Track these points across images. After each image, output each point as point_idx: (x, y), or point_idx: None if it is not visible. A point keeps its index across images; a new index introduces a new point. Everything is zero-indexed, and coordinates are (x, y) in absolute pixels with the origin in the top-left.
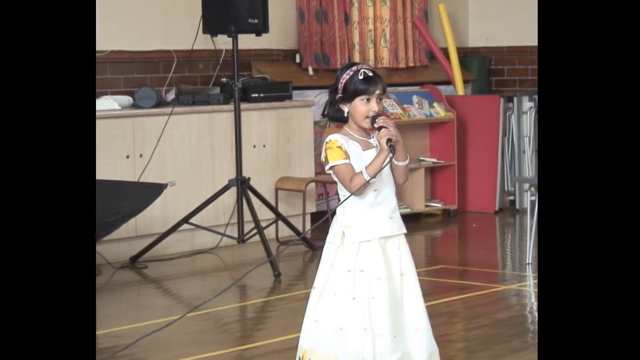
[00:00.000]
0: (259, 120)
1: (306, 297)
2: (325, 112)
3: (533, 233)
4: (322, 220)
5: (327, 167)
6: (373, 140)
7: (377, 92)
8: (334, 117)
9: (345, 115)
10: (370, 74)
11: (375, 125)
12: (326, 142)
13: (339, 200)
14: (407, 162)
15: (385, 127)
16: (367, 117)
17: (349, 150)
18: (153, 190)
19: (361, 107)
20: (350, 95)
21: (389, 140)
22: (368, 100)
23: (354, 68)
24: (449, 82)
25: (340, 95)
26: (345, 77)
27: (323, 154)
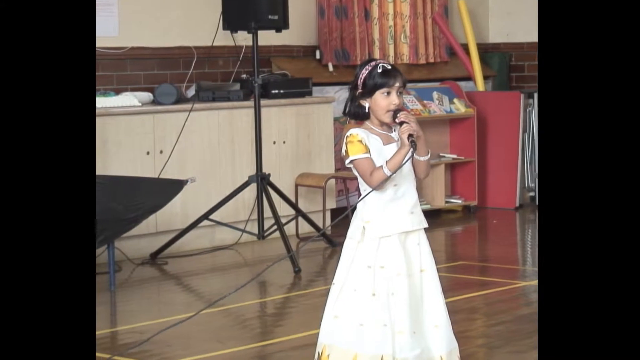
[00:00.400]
0: (279, 116)
1: (326, 293)
2: (347, 110)
3: None
4: (342, 216)
5: (347, 161)
6: (394, 135)
7: (397, 85)
8: (356, 114)
9: (367, 111)
10: (389, 67)
11: (397, 120)
12: (347, 136)
13: (360, 195)
14: (428, 156)
15: (407, 122)
16: (389, 110)
17: (369, 145)
18: (173, 187)
19: (382, 101)
20: (370, 89)
21: (410, 135)
22: (388, 93)
23: (372, 63)
24: (469, 78)
25: (360, 90)
26: (364, 72)
27: (343, 148)
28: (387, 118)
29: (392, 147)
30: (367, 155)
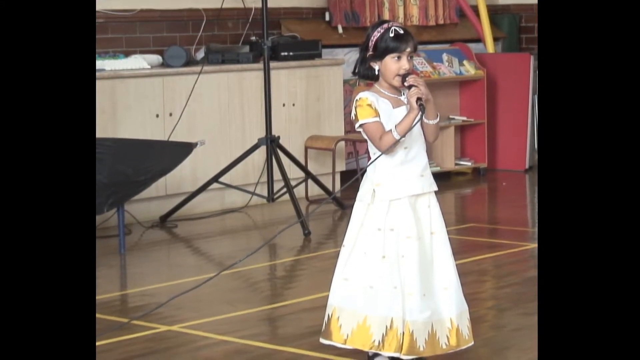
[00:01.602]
0: (289, 78)
1: (336, 256)
2: (356, 70)
3: None
4: (353, 180)
5: (357, 125)
6: (403, 98)
7: (408, 50)
8: (365, 75)
9: (376, 73)
10: (402, 32)
11: (406, 84)
12: (356, 100)
13: (369, 158)
14: (437, 120)
15: (415, 86)
16: (398, 75)
17: (379, 108)
18: (183, 149)
19: (392, 65)
20: (381, 53)
21: (419, 99)
22: (399, 58)
23: (385, 26)
24: (479, 39)
25: (371, 53)
26: (376, 34)
27: (353, 112)
28: (396, 82)
29: (402, 110)
30: (376, 119)
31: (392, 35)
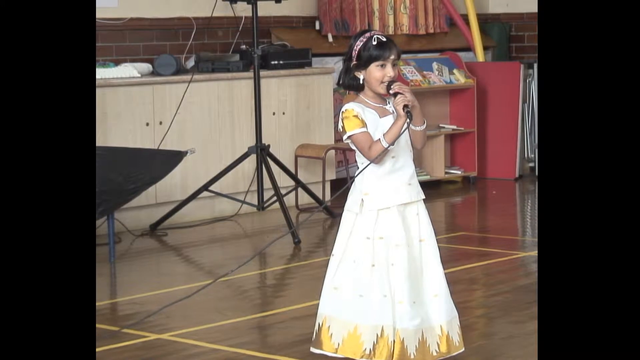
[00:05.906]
0: (279, 87)
1: (326, 264)
2: (340, 81)
3: None
4: (344, 189)
5: (345, 137)
6: (389, 107)
7: (392, 57)
8: (350, 86)
9: (361, 82)
10: (384, 39)
11: (391, 92)
12: (342, 112)
13: (358, 168)
14: (424, 126)
15: (401, 93)
16: (383, 82)
17: (365, 119)
18: (173, 158)
19: (376, 73)
20: (365, 61)
21: (405, 106)
22: (383, 65)
23: (367, 35)
24: (469, 48)
25: (355, 62)
26: (359, 43)
27: (340, 124)
28: (381, 89)
29: (388, 120)
30: (364, 129)
31: (375, 43)
